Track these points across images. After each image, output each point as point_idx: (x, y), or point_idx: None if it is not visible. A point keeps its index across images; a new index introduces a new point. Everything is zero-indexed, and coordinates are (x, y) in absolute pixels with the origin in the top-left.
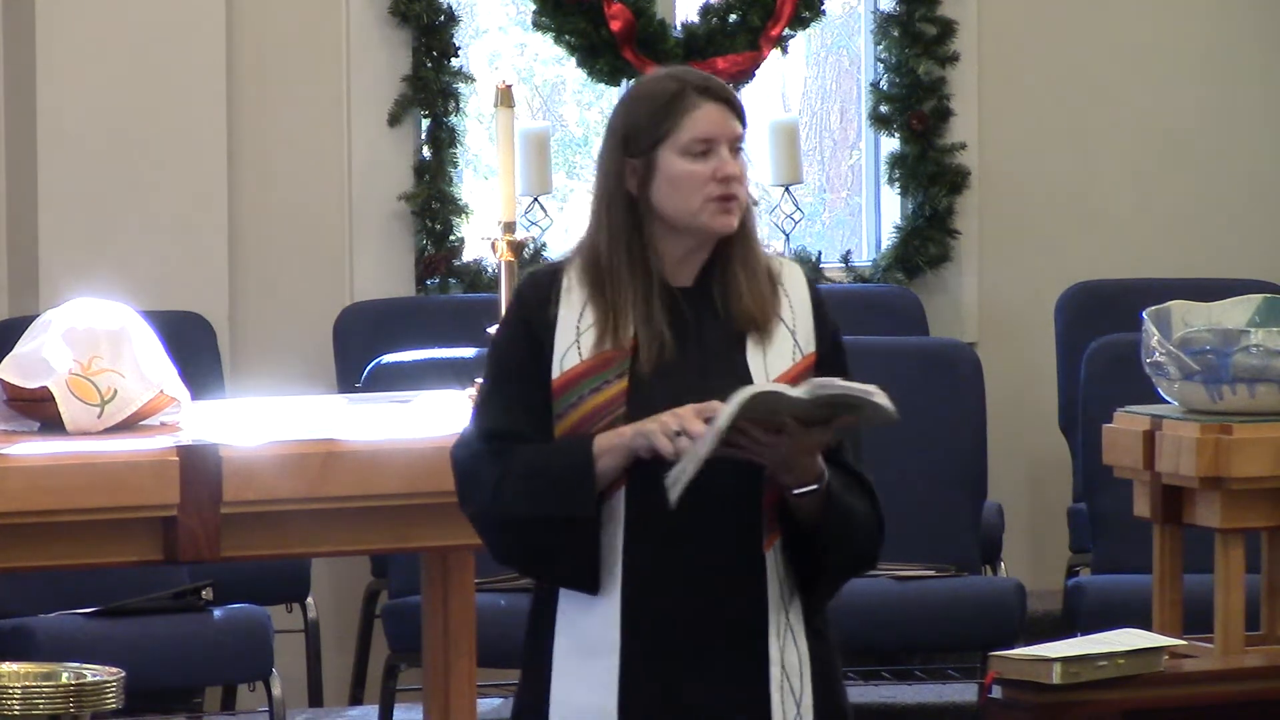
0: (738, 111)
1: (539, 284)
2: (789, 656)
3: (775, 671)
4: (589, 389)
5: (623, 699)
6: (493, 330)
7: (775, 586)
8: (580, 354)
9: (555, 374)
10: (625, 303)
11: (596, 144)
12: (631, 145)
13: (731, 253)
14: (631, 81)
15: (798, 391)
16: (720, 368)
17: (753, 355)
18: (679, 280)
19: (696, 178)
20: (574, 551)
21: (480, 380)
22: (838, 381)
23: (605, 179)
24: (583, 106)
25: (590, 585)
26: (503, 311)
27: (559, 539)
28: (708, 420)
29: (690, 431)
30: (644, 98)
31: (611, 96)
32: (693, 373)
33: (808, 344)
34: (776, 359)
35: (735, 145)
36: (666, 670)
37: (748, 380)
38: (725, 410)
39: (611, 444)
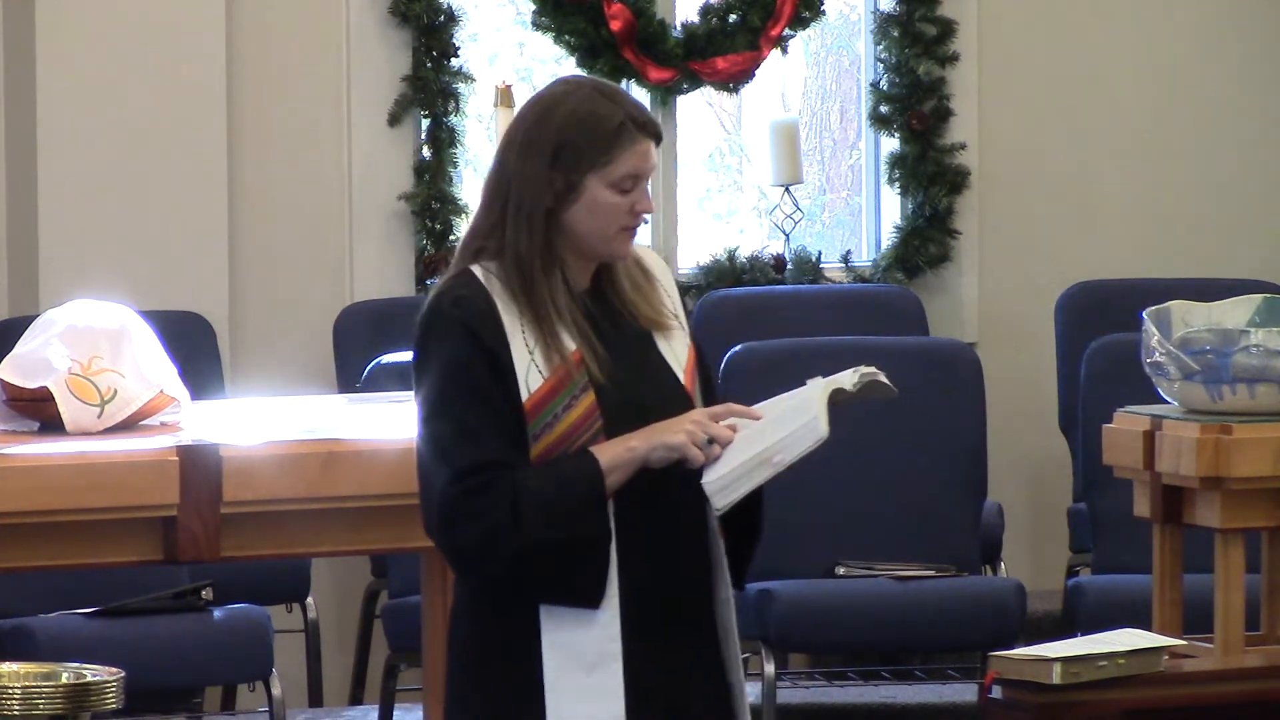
0: (659, 146)
1: (473, 302)
2: None
3: (734, 658)
4: (561, 406)
5: (630, 707)
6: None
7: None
8: (540, 372)
9: (524, 395)
10: (555, 315)
11: None
12: (560, 162)
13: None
14: (554, 82)
15: (850, 382)
16: (650, 367)
17: (664, 349)
18: (578, 286)
19: (618, 209)
20: (585, 569)
21: (432, 405)
22: (863, 367)
23: (528, 188)
24: None
25: (594, 600)
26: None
27: (571, 559)
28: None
29: (720, 438)
30: (584, 120)
31: None
32: (634, 376)
33: (685, 326)
34: (679, 348)
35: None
36: (664, 673)
37: (674, 377)
38: (821, 417)
39: (620, 459)
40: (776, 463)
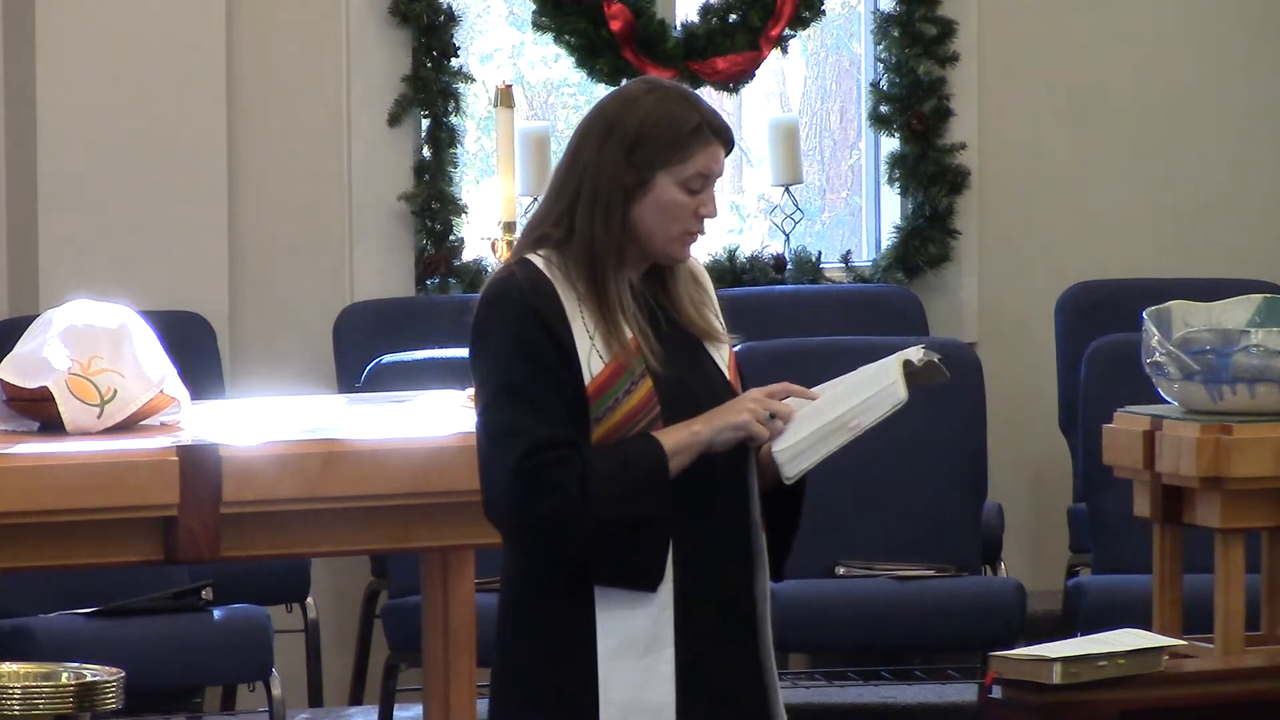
0: (728, 155)
1: (538, 286)
2: None
3: (767, 651)
4: (622, 391)
5: (680, 693)
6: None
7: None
8: (601, 357)
9: (587, 379)
10: (616, 302)
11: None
12: (635, 156)
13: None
14: (633, 81)
15: (916, 356)
16: (700, 364)
17: (709, 348)
18: (633, 283)
19: (684, 209)
20: (645, 552)
21: (499, 385)
22: (923, 347)
23: (605, 177)
24: (570, 109)
25: (652, 583)
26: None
27: (632, 541)
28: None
29: (781, 414)
30: (662, 118)
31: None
32: (687, 370)
33: (728, 339)
34: (724, 353)
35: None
36: (712, 661)
37: (723, 376)
38: (899, 382)
39: (684, 443)
40: (853, 427)
